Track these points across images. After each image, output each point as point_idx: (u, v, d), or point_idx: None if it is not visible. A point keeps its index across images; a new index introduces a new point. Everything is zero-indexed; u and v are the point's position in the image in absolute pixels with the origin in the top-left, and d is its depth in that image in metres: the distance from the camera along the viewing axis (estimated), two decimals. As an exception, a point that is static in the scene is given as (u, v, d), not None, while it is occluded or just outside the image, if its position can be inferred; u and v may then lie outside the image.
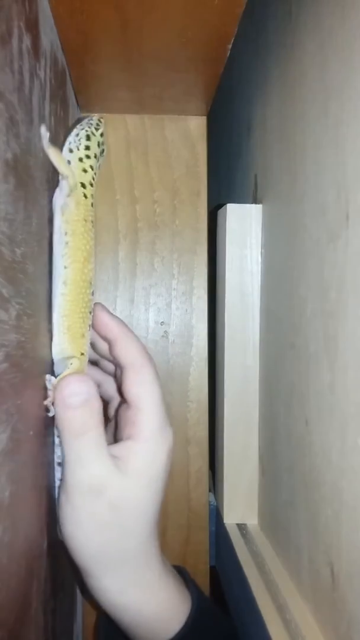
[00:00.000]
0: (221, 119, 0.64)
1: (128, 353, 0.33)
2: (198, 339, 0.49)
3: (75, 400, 0.29)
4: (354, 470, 0.27)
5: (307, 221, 0.34)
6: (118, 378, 0.35)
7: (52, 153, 0.30)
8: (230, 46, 0.36)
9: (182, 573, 0.38)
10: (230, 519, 0.47)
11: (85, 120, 0.34)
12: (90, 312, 0.32)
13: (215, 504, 0.50)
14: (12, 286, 0.23)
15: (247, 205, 0.46)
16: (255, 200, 0.48)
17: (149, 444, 0.31)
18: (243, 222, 0.46)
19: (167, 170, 0.49)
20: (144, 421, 0.31)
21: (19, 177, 0.24)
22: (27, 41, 0.26)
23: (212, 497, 0.51)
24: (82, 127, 0.33)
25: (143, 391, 0.32)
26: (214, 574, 0.50)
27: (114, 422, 0.36)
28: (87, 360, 0.32)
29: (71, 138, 0.33)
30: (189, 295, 0.49)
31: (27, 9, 0.26)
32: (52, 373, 0.31)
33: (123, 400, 0.34)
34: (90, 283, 0.32)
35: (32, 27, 0.28)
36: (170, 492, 0.48)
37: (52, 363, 0.31)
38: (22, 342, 0.25)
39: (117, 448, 0.31)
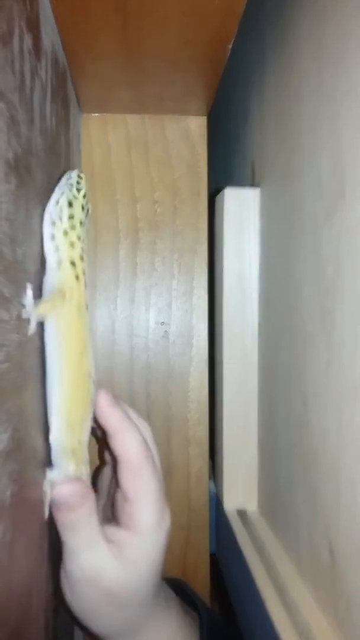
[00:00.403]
0: (219, 102, 0.63)
1: (124, 450, 0.32)
2: (198, 339, 0.49)
3: (66, 504, 0.29)
4: (351, 449, 0.27)
5: (304, 201, 0.34)
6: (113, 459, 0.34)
7: (33, 314, 0.26)
8: (230, 46, 0.36)
9: (184, 590, 0.39)
10: (230, 505, 0.47)
11: (64, 181, 0.31)
12: (91, 403, 0.32)
13: (214, 491, 0.50)
14: (13, 286, 0.23)
15: (246, 189, 0.46)
16: (253, 185, 0.48)
17: (146, 538, 0.32)
18: (241, 206, 0.45)
19: (167, 170, 0.49)
20: (141, 516, 0.32)
21: (20, 176, 0.24)
22: (28, 41, 0.26)
23: (211, 484, 0.51)
24: (61, 191, 0.30)
25: (140, 490, 0.32)
26: (214, 562, 0.50)
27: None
28: (86, 447, 0.32)
29: (51, 208, 0.30)
30: (190, 295, 0.49)
31: (28, 8, 0.26)
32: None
33: (117, 485, 0.33)
34: (90, 375, 0.31)
35: (33, 26, 0.28)
36: (170, 492, 0.48)
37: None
38: (23, 341, 0.25)
39: (114, 532, 0.32)
